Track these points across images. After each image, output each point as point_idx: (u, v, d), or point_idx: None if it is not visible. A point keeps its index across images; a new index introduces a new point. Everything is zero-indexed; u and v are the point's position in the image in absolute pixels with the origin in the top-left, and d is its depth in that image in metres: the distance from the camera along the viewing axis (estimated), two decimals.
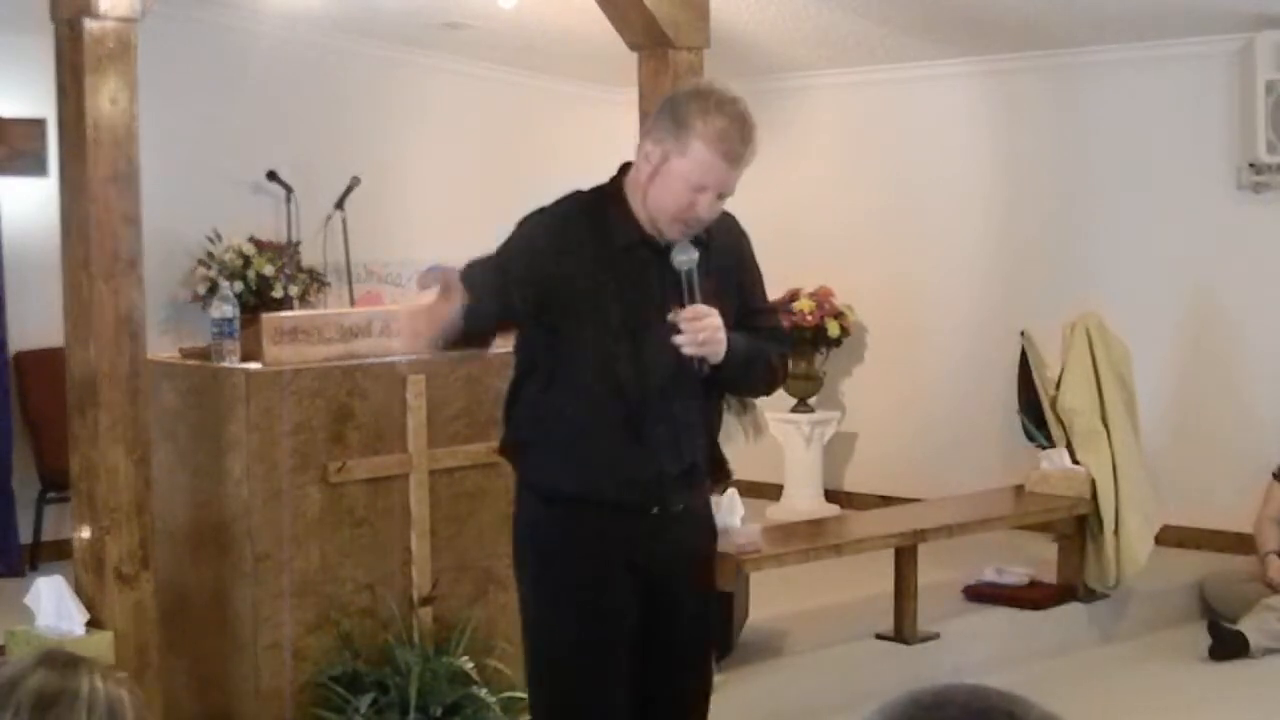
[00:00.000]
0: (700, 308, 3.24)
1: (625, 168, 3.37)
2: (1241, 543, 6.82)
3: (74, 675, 1.92)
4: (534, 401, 3.37)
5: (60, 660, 1.95)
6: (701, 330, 3.22)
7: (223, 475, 4.53)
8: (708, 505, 3.57)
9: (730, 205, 3.47)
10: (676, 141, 3.22)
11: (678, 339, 3.22)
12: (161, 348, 5.43)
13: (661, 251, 3.31)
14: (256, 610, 4.47)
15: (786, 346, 3.63)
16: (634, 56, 5.27)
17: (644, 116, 5.21)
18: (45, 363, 6.72)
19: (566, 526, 3.35)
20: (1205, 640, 6.13)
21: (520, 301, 3.28)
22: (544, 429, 3.36)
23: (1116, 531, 6.30)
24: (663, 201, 3.25)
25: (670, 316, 3.24)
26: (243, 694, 4.53)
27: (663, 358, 3.27)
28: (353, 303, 7.75)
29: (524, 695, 4.61)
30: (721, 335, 3.26)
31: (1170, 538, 6.74)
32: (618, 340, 3.28)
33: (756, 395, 3.66)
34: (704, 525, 3.54)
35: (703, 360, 3.26)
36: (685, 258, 3.25)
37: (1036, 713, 1.44)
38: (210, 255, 7.67)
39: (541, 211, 3.37)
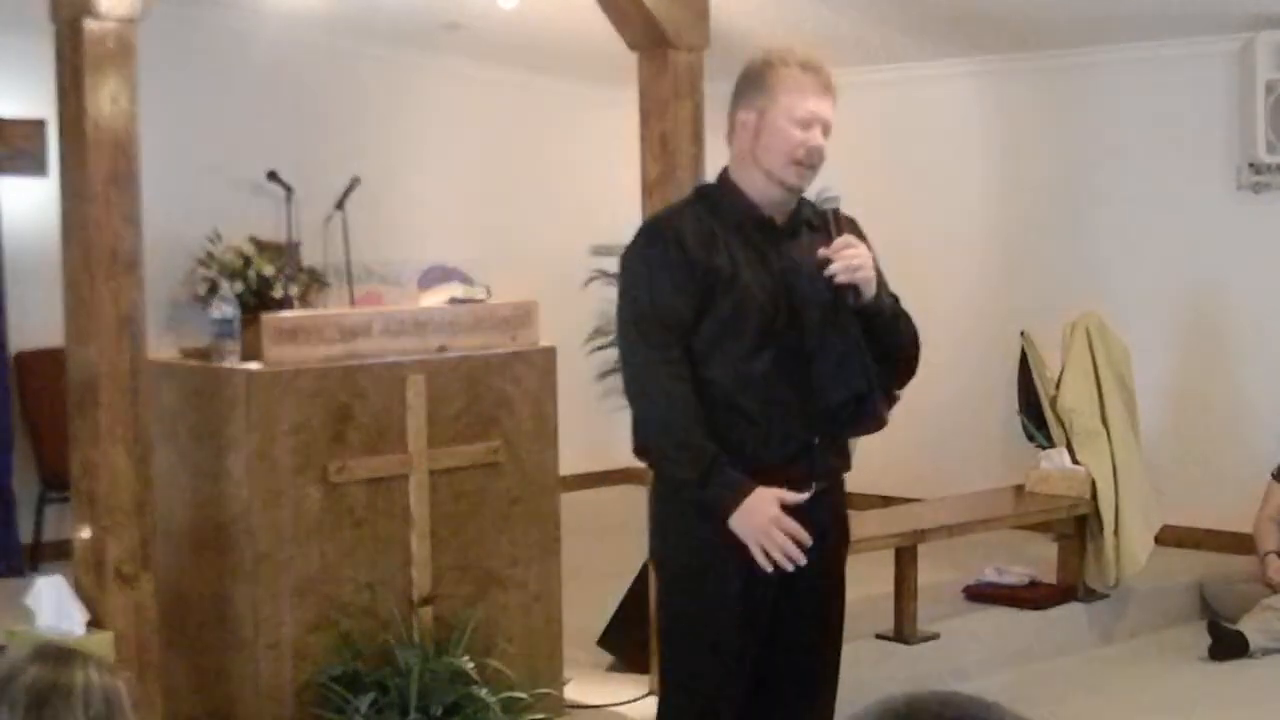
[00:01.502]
0: (848, 237, 3.32)
1: (723, 172, 3.46)
2: (1241, 543, 6.82)
3: (68, 669, 1.92)
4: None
5: (54, 654, 1.95)
6: (855, 256, 3.28)
7: (223, 475, 4.53)
8: (842, 490, 3.55)
9: None
10: (766, 96, 3.34)
11: (831, 268, 3.26)
12: (161, 348, 5.42)
13: (778, 231, 3.38)
14: (256, 610, 4.46)
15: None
16: (634, 56, 5.27)
17: (644, 116, 5.23)
18: (45, 363, 6.72)
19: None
20: (1205, 640, 6.13)
21: (691, 316, 3.30)
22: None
23: (1116, 531, 6.30)
24: (774, 150, 3.33)
25: (821, 252, 3.29)
26: (243, 694, 4.53)
27: (814, 299, 3.31)
28: (353, 303, 7.74)
29: (524, 696, 4.65)
30: (871, 264, 3.31)
31: (1170, 538, 6.73)
32: (763, 301, 3.31)
33: (906, 360, 3.62)
34: (840, 516, 3.53)
35: (857, 293, 3.30)
36: (831, 197, 3.37)
37: (1009, 718, 1.43)
38: (210, 255, 7.67)
39: (654, 227, 3.42)
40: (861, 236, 3.47)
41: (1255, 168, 7.05)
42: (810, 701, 3.50)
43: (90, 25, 4.17)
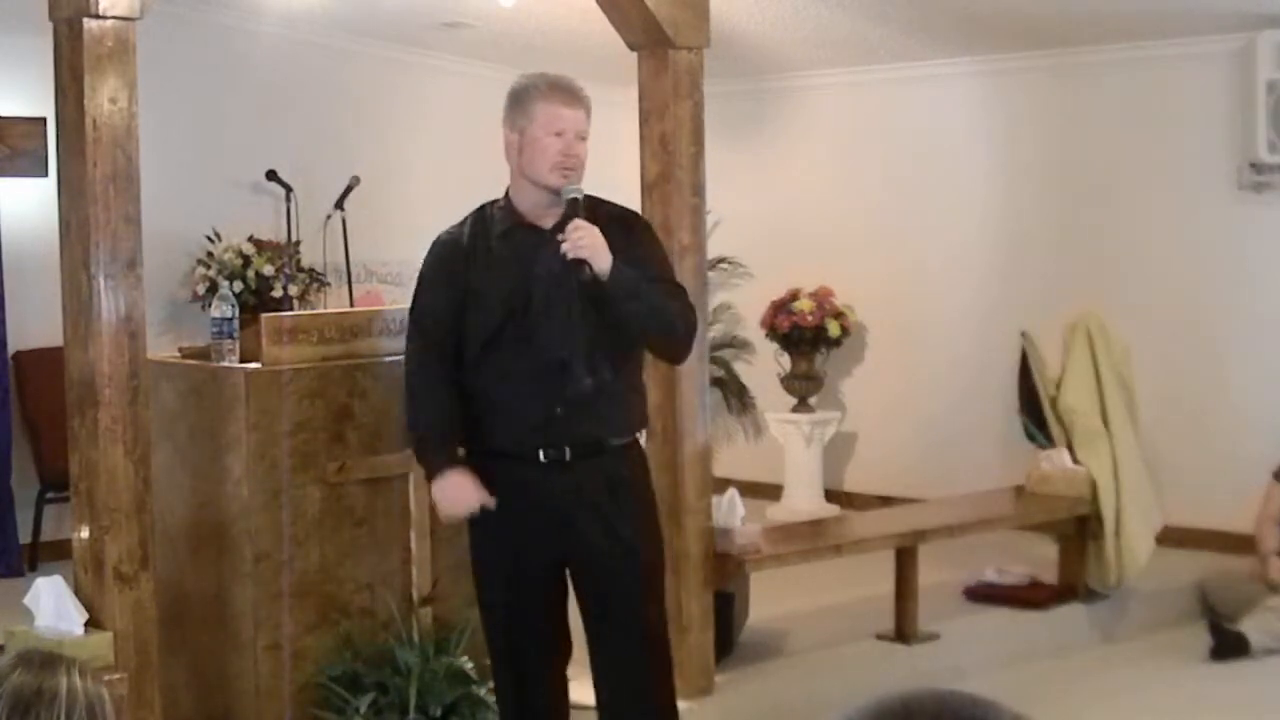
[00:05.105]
0: (578, 221, 3.73)
1: (506, 190, 3.96)
2: (1241, 543, 6.81)
3: (52, 674, 1.91)
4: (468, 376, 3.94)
5: (38, 660, 1.94)
6: (581, 235, 3.69)
7: (223, 475, 4.52)
8: (618, 456, 3.92)
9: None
10: (524, 116, 3.84)
11: (562, 248, 3.70)
12: (161, 348, 5.42)
13: (542, 234, 3.84)
14: (256, 610, 4.46)
15: (689, 306, 3.96)
16: (634, 56, 5.27)
17: (644, 116, 5.24)
18: (45, 363, 6.71)
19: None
20: (1205, 640, 6.13)
21: (450, 325, 3.90)
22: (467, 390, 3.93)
23: (1117, 532, 6.29)
24: (536, 160, 3.82)
25: (559, 238, 3.72)
26: (242, 694, 4.53)
27: (550, 279, 3.78)
28: (353, 303, 7.73)
29: None
30: (603, 244, 3.70)
31: (1170, 538, 6.73)
32: (511, 301, 3.82)
33: (667, 338, 3.96)
34: (619, 481, 3.92)
35: (591, 270, 3.69)
36: (573, 188, 3.80)
37: (1007, 717, 1.43)
38: (210, 255, 7.67)
39: (434, 243, 4.02)
40: (634, 222, 3.98)
41: (1256, 168, 7.04)
42: (619, 645, 3.96)
43: (89, 24, 4.16)
